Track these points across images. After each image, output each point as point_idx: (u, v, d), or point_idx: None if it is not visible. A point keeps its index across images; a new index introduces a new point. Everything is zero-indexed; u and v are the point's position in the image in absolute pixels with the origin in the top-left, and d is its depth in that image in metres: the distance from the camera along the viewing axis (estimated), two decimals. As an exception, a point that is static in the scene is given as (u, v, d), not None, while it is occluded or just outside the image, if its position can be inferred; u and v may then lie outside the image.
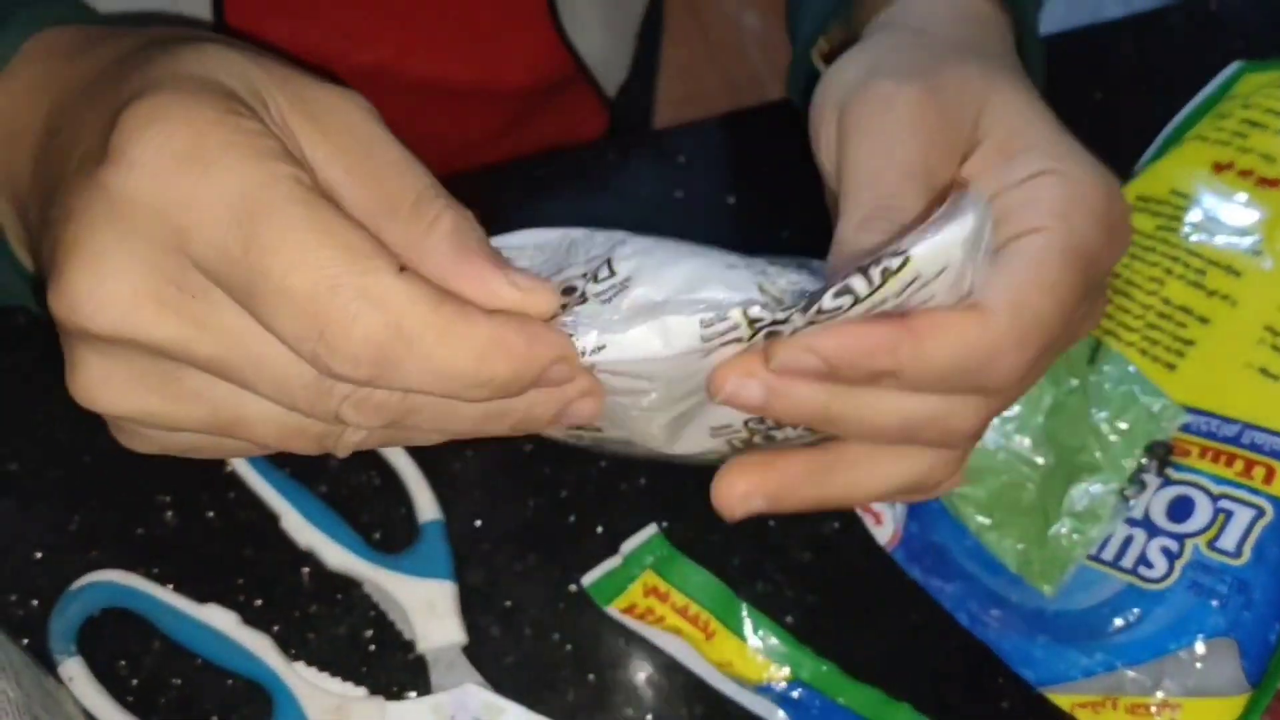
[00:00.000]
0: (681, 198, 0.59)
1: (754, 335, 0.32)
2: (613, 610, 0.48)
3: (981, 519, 0.49)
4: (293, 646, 0.47)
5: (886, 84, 0.36)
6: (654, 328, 0.32)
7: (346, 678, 0.46)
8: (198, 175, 0.29)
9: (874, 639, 0.49)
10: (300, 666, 0.46)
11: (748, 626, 0.48)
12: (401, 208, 0.31)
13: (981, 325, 0.32)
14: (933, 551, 0.49)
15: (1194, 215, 0.53)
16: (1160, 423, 0.47)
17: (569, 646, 0.48)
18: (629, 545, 0.49)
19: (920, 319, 0.32)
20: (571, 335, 0.32)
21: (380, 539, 0.49)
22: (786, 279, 0.34)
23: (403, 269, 0.30)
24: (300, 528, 0.48)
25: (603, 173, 0.60)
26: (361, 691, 0.46)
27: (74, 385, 0.32)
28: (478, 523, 0.50)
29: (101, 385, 0.32)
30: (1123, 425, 0.48)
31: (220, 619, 0.46)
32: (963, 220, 0.30)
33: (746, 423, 0.36)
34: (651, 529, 0.50)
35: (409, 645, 0.47)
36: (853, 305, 0.31)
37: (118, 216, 0.30)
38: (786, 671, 0.47)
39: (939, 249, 0.30)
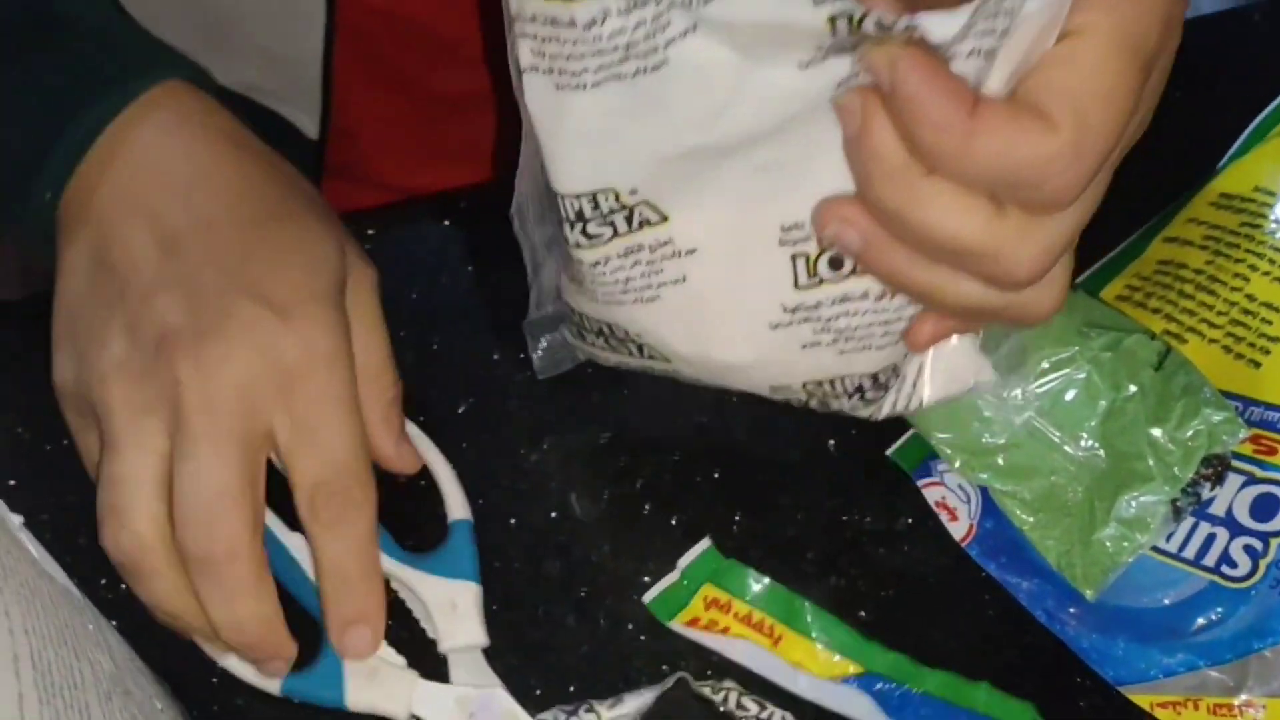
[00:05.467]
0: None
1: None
2: (676, 625, 0.48)
3: (1026, 517, 0.48)
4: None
5: None
6: None
7: (389, 643, 0.46)
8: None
9: (949, 635, 0.48)
10: None
11: (814, 627, 0.47)
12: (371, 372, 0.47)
13: (1042, 137, 0.32)
14: (1009, 547, 0.49)
15: (1278, 211, 0.52)
16: (1221, 436, 0.46)
17: (641, 641, 0.48)
18: (685, 560, 0.48)
19: (989, 114, 0.32)
20: None
21: (413, 537, 0.49)
22: None
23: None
24: None
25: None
26: (400, 660, 0.46)
27: None
28: (553, 514, 0.51)
29: None
30: (1182, 436, 0.46)
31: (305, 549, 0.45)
32: None
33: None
34: (705, 543, 0.49)
35: (431, 644, 0.47)
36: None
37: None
38: (859, 667, 0.47)
39: None
